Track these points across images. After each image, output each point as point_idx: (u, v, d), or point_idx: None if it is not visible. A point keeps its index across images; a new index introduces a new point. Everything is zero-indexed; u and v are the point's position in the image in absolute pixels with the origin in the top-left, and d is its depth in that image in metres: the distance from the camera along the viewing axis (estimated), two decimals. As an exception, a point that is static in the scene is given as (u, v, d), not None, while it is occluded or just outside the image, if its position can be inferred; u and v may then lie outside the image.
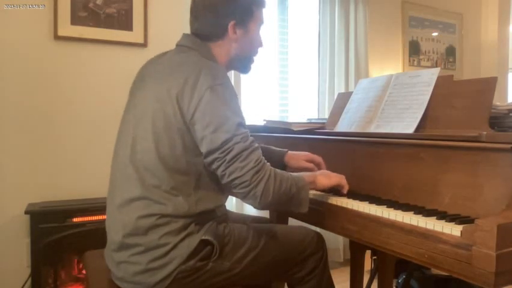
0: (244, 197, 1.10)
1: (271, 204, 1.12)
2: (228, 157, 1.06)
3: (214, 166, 1.10)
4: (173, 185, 1.12)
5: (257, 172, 1.07)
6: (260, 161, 1.09)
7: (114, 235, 1.17)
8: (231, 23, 1.23)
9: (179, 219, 1.12)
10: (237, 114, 1.11)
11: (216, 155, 1.08)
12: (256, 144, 1.12)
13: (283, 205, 1.16)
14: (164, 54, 1.28)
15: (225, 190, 1.21)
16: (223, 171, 1.08)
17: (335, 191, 1.34)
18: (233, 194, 1.20)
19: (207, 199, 1.17)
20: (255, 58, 1.36)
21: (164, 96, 1.12)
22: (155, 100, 1.14)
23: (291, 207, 1.17)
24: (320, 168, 1.44)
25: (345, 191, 1.30)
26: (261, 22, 1.32)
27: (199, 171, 1.14)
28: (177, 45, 1.28)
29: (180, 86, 1.11)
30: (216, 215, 1.21)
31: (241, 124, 1.11)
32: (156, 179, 1.12)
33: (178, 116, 1.10)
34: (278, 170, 1.14)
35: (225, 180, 1.09)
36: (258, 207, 1.12)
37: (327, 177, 1.29)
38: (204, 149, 1.10)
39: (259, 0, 1.30)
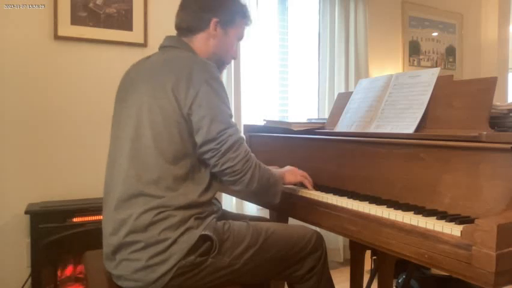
0: (233, 184, 1.20)
1: (255, 190, 1.22)
2: (223, 148, 1.14)
3: (207, 156, 1.16)
4: (172, 177, 1.15)
5: (246, 162, 1.18)
6: (248, 152, 1.20)
7: (112, 236, 1.17)
8: (214, 20, 1.32)
9: (179, 211, 1.14)
10: (228, 107, 1.21)
11: (211, 145, 1.14)
12: (244, 136, 1.23)
13: (263, 194, 1.27)
14: (148, 57, 1.32)
15: (217, 178, 1.25)
16: (216, 161, 1.15)
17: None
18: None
19: (205, 188, 1.20)
20: (227, 66, 1.45)
21: (160, 91, 1.16)
22: (151, 96, 1.17)
23: (268, 196, 1.30)
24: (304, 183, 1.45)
25: (309, 187, 1.43)
26: (240, 35, 1.41)
27: (194, 162, 1.19)
28: (161, 46, 1.34)
29: (175, 80, 1.15)
30: (214, 208, 1.24)
31: (232, 116, 1.21)
32: (155, 173, 1.14)
33: (176, 109, 1.14)
34: (260, 162, 1.25)
35: (216, 170, 1.17)
36: (245, 191, 1.21)
37: (293, 175, 1.42)
38: (199, 139, 1.15)
39: (245, 13, 1.40)
